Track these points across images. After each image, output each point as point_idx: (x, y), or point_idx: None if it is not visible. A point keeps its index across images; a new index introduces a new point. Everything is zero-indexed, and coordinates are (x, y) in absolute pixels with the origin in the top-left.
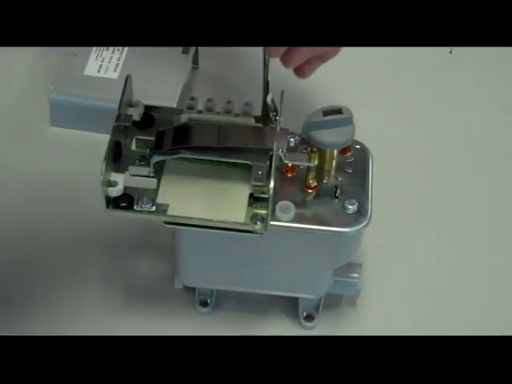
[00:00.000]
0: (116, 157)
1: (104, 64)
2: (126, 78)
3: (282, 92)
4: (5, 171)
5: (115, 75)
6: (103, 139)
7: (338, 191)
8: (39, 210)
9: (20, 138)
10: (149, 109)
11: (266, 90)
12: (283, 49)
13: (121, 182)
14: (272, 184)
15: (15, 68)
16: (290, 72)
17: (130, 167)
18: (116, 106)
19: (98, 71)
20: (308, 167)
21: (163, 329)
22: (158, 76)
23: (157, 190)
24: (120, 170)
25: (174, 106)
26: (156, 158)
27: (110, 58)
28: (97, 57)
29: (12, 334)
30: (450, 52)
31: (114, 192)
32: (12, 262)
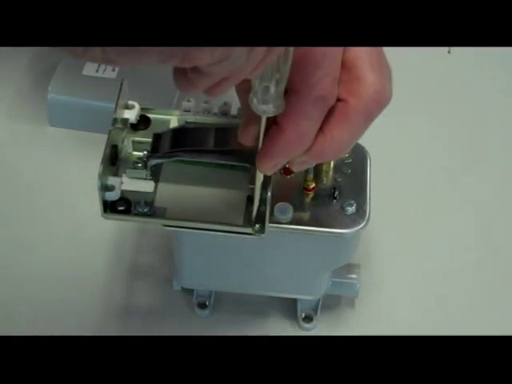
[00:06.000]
0: (113, 160)
1: (102, 64)
2: (121, 82)
3: None
4: (3, 171)
5: (113, 75)
6: (102, 139)
7: (337, 192)
8: (37, 210)
9: (18, 138)
10: (145, 110)
11: None
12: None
13: (118, 185)
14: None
15: (13, 68)
16: None
17: (128, 170)
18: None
19: (97, 71)
20: (306, 169)
21: (162, 330)
22: (156, 75)
23: (154, 193)
24: (117, 173)
25: (172, 105)
26: (153, 161)
27: None
28: None
29: (12, 334)
30: (449, 52)
31: (112, 196)
32: (11, 263)
